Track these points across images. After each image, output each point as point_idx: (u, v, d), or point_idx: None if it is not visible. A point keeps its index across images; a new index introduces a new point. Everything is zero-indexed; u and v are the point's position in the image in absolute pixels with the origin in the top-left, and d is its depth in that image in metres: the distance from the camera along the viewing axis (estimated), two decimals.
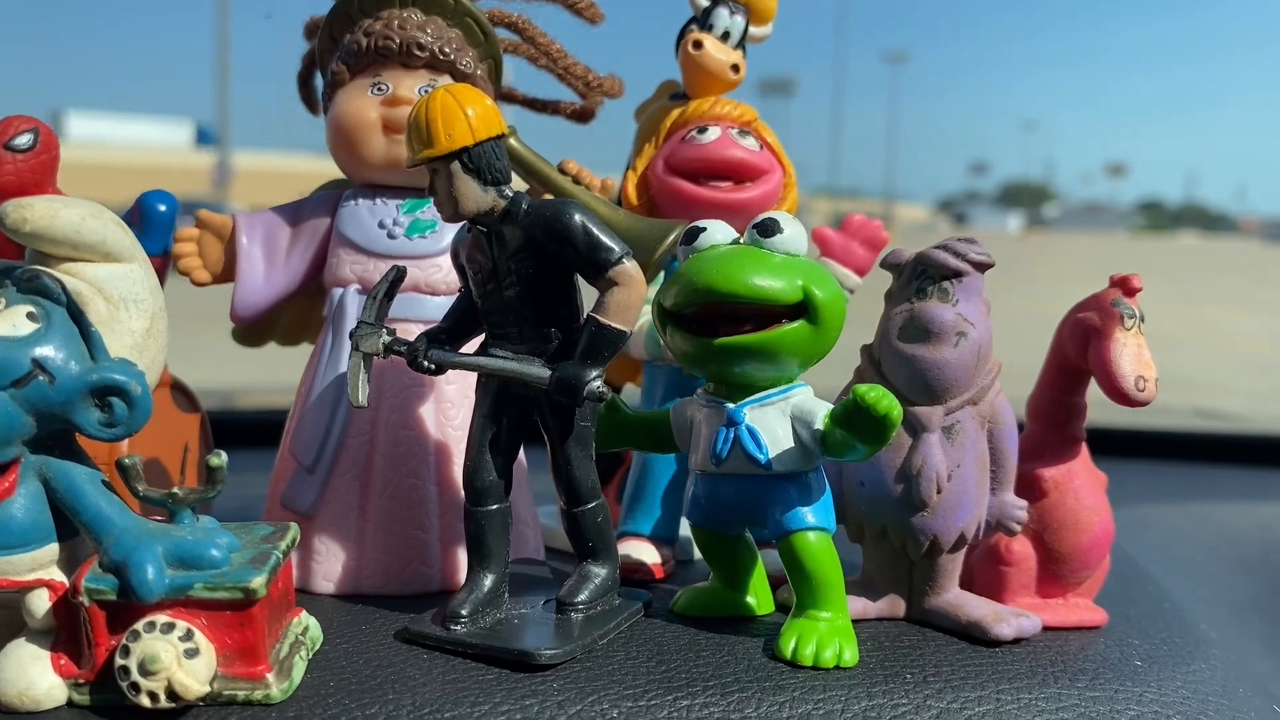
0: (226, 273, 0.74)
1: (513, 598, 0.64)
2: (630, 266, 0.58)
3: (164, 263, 0.74)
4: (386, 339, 0.62)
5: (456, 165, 0.57)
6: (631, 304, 0.58)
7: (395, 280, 0.63)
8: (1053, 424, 0.70)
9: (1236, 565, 1.06)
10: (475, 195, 0.58)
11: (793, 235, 0.61)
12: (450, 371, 0.69)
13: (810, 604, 0.61)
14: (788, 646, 0.59)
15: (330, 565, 0.68)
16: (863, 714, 0.55)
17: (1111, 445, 1.47)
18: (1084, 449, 0.71)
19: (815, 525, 0.61)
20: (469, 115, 0.57)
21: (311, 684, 0.55)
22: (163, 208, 0.73)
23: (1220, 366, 5.66)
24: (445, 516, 0.69)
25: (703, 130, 0.76)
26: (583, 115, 0.82)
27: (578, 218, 0.58)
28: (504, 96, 0.80)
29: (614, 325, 0.58)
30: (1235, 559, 1.07)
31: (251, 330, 0.81)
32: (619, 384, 0.88)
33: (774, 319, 0.60)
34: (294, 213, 0.74)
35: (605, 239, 0.58)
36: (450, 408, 0.70)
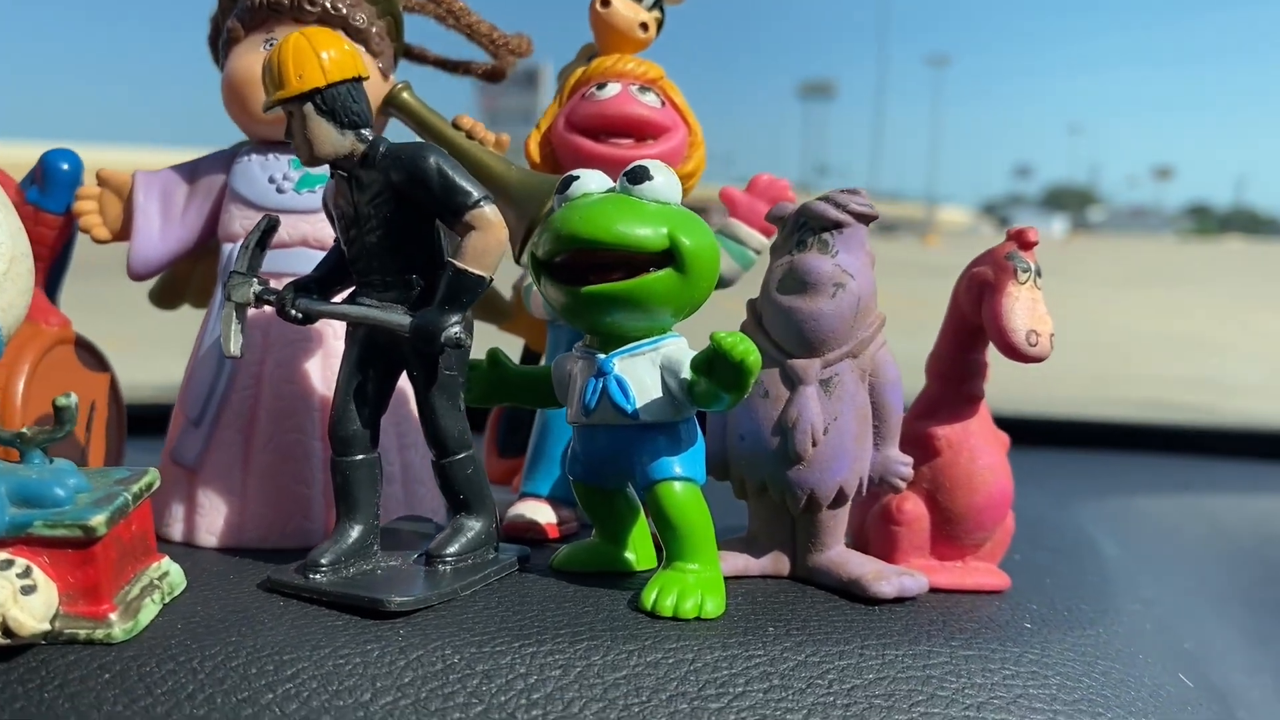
0: (125, 230, 0.74)
1: (390, 551, 0.64)
2: (488, 210, 0.58)
3: (67, 220, 0.75)
4: (258, 288, 0.62)
5: (310, 107, 0.57)
6: (489, 249, 0.58)
7: (267, 230, 0.63)
8: (949, 381, 0.68)
9: (1229, 557, 1.04)
10: (331, 138, 0.58)
11: (663, 183, 0.60)
12: (339, 326, 0.69)
13: (677, 555, 0.59)
14: (649, 598, 0.58)
15: (213, 519, 0.68)
16: (714, 664, 0.53)
17: (1115, 438, 1.44)
18: (984, 408, 0.69)
19: (681, 475, 0.59)
20: (321, 57, 0.57)
21: (160, 626, 0.55)
22: (65, 166, 0.74)
23: (1270, 372, 5.52)
24: (329, 471, 0.69)
25: (601, 87, 0.75)
26: (494, 74, 0.81)
27: (433, 160, 0.57)
28: (412, 55, 0.80)
29: (472, 270, 0.58)
30: (1228, 551, 1.04)
31: (165, 292, 0.81)
32: (538, 349, 0.87)
33: (641, 267, 0.59)
34: (191, 170, 0.75)
35: (462, 182, 0.57)
36: (337, 363, 0.70)
